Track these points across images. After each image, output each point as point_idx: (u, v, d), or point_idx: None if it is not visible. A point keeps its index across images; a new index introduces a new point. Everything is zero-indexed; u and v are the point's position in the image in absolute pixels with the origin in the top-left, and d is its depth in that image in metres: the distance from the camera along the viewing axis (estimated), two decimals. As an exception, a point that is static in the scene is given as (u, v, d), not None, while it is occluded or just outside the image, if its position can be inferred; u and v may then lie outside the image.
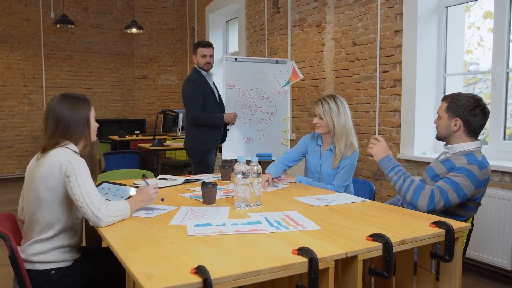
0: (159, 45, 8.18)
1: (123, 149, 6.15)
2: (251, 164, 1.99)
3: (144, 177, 2.82)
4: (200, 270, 1.16)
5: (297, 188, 2.48)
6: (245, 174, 1.94)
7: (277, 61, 4.27)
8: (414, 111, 3.53)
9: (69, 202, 1.73)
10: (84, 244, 2.21)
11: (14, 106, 7.21)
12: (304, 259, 1.29)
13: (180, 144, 5.29)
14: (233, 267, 1.24)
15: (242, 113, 4.03)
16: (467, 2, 3.45)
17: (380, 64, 3.82)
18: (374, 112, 3.90)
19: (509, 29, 3.08)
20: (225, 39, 7.00)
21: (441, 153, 2.20)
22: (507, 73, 3.10)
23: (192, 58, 3.89)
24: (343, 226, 1.68)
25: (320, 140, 2.70)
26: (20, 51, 7.17)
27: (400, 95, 3.65)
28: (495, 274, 2.99)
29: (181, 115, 6.01)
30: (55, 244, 1.74)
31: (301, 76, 4.11)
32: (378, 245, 1.44)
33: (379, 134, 3.86)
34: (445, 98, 2.13)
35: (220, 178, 2.74)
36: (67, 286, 1.74)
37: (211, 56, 3.81)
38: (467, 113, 2.03)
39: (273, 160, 2.79)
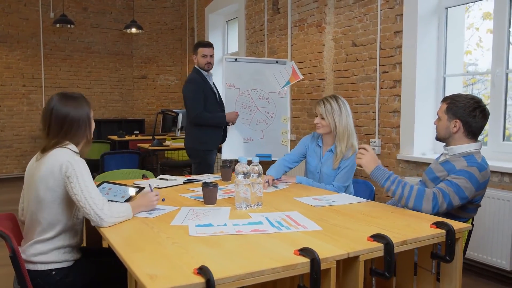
0: (159, 45, 8.18)
1: (122, 149, 6.14)
2: (252, 164, 1.99)
3: (144, 177, 2.82)
4: (202, 271, 1.16)
5: (298, 189, 2.48)
6: (246, 175, 1.94)
7: (277, 62, 4.27)
8: (413, 112, 3.53)
9: (69, 203, 1.73)
10: (84, 244, 2.21)
11: (13, 106, 7.20)
12: (306, 260, 1.30)
13: (180, 144, 5.30)
14: (235, 267, 1.24)
15: (242, 113, 4.03)
16: (466, 3, 3.45)
17: (380, 65, 3.82)
18: (373, 112, 3.91)
19: (509, 30, 3.09)
20: (225, 40, 7.00)
21: (441, 154, 2.21)
22: (507, 74, 3.11)
23: (193, 58, 3.88)
24: (344, 226, 1.68)
25: (320, 140, 2.70)
26: (19, 50, 7.16)
27: (400, 96, 3.65)
28: (494, 274, 3.00)
29: (180, 115, 6.00)
30: (56, 244, 1.74)
31: (301, 77, 4.11)
32: (379, 245, 1.45)
33: (378, 134, 3.87)
34: (445, 99, 2.13)
35: (220, 178, 2.74)
36: (67, 286, 1.74)
37: (212, 56, 3.81)
38: (467, 114, 2.03)
39: (273, 161, 2.79)
